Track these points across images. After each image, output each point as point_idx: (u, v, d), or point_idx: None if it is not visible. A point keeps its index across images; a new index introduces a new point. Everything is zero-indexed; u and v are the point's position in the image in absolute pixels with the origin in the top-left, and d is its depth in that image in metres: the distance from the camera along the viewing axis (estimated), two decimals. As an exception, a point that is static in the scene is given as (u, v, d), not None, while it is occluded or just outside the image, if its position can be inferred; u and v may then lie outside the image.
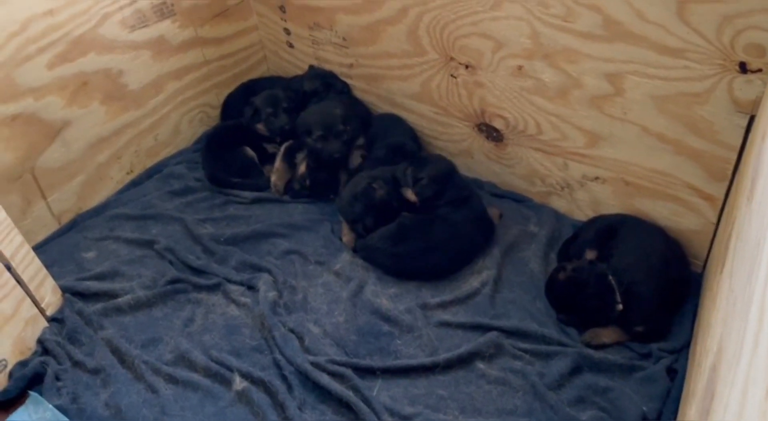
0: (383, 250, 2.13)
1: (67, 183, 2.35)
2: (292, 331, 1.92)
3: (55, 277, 2.02)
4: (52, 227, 2.35)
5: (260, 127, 2.55)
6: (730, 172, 1.80)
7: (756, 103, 1.64)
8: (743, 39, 1.58)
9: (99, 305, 2.02)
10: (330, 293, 2.06)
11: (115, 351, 1.88)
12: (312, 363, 1.80)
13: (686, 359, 1.77)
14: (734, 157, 1.77)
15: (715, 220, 1.92)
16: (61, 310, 2.00)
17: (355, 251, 2.21)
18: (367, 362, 1.83)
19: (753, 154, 1.42)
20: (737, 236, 1.27)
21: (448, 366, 1.82)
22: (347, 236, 2.25)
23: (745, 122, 1.70)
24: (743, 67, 1.62)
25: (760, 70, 1.60)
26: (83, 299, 2.05)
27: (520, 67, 2.06)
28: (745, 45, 1.59)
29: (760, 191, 1.08)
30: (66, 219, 2.39)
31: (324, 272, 2.14)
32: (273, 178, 2.50)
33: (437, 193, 2.18)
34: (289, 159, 2.50)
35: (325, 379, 1.76)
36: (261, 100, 2.55)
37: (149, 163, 2.65)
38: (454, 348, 1.85)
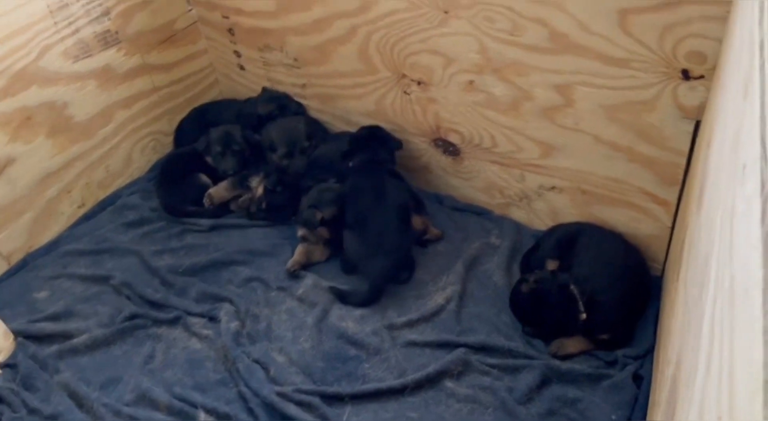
0: (368, 256, 2.09)
1: (14, 221, 2.28)
2: (256, 361, 1.88)
3: (6, 320, 1.96)
4: (1, 267, 2.28)
5: (209, 160, 2.51)
6: (681, 177, 1.83)
7: (700, 109, 1.67)
8: (684, 47, 1.61)
9: (54, 347, 1.96)
10: (294, 320, 2.03)
11: (73, 395, 1.82)
12: (278, 394, 1.77)
13: (651, 363, 1.78)
14: (684, 161, 1.80)
15: (670, 224, 1.95)
16: (13, 355, 1.93)
17: (294, 274, 2.16)
18: (335, 388, 1.81)
19: (701, 160, 1.45)
20: (689, 245, 1.28)
21: (417, 387, 1.80)
22: (296, 256, 2.21)
23: (691, 128, 1.73)
24: (686, 75, 1.65)
25: (702, 77, 1.63)
26: (37, 341, 1.98)
27: (471, 82, 2.07)
28: (687, 53, 1.62)
29: (707, 201, 1.10)
30: (15, 259, 2.31)
31: (287, 297, 2.10)
32: (210, 190, 2.46)
33: (352, 153, 2.31)
34: (240, 181, 2.47)
35: (292, 409, 1.73)
36: (215, 135, 2.49)
37: (101, 195, 2.58)
38: (422, 368, 1.84)
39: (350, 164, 2.27)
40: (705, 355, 0.74)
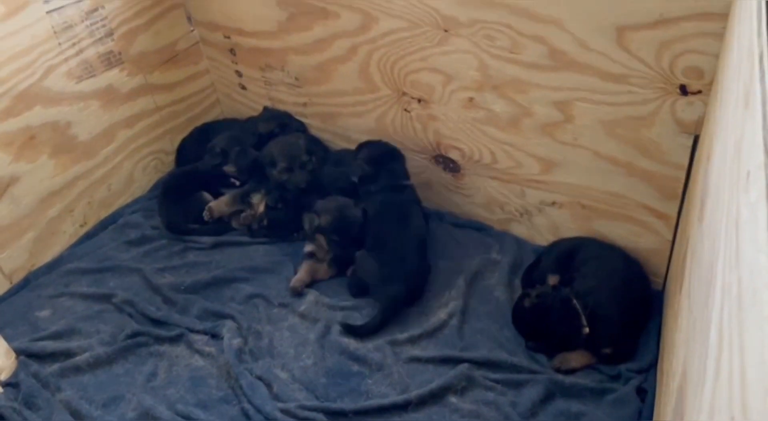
0: (384, 281, 2.06)
1: (17, 240, 2.28)
2: (259, 378, 1.88)
3: (7, 339, 1.94)
4: (3, 286, 2.27)
5: (229, 168, 2.52)
6: (680, 191, 1.85)
7: (699, 124, 1.70)
8: (681, 63, 1.64)
9: (56, 366, 1.95)
10: (296, 336, 2.03)
11: (75, 414, 1.81)
12: (282, 410, 1.76)
13: (654, 377, 1.78)
14: (683, 175, 1.82)
15: (670, 237, 1.96)
16: (15, 374, 1.91)
17: (299, 293, 2.16)
18: (338, 404, 1.80)
19: (700, 174, 1.46)
20: (692, 255, 1.30)
21: (420, 403, 1.80)
22: (301, 273, 2.21)
23: (690, 142, 1.75)
24: (684, 90, 1.67)
25: (699, 92, 1.65)
26: (39, 360, 1.97)
27: (471, 99, 2.09)
28: (684, 68, 1.64)
29: (709, 213, 1.11)
30: (17, 278, 2.31)
31: (289, 314, 2.10)
32: (211, 203, 2.47)
33: (371, 174, 2.26)
34: (241, 197, 2.49)
35: (296, 426, 1.72)
36: (225, 142, 2.51)
37: (103, 214, 2.58)
38: (425, 384, 1.83)
39: (371, 188, 2.26)
40: (714, 361, 0.75)
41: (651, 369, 1.81)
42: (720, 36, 1.53)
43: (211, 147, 2.53)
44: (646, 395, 1.75)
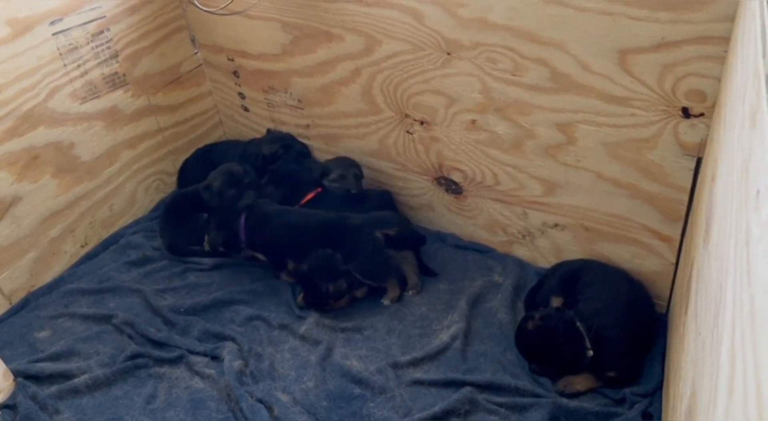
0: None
1: (17, 260, 2.27)
2: (260, 401, 1.85)
3: (6, 360, 1.93)
4: (2, 307, 2.26)
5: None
6: (683, 213, 1.85)
7: (701, 146, 1.70)
8: (684, 85, 1.65)
9: (54, 388, 1.93)
10: (297, 358, 2.01)
11: (73, 436, 1.78)
12: (283, 434, 1.74)
13: (660, 401, 1.76)
14: (686, 198, 1.82)
15: (674, 260, 1.95)
16: (13, 396, 1.89)
17: (300, 309, 2.19)
18: (340, 428, 1.77)
19: (704, 195, 1.46)
20: (697, 277, 1.29)
21: (423, 427, 1.77)
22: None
23: (693, 164, 1.75)
24: (686, 113, 1.68)
25: (702, 115, 1.66)
26: (37, 382, 1.95)
27: (473, 121, 2.10)
28: (686, 91, 1.65)
29: (715, 233, 1.11)
30: (17, 298, 2.30)
31: (290, 336, 2.09)
32: (213, 233, 2.45)
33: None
34: None
35: (297, 450, 1.69)
36: (219, 181, 2.47)
37: (105, 234, 2.58)
38: (428, 407, 1.81)
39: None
40: (726, 380, 0.74)
41: (656, 393, 1.79)
42: (722, 59, 1.54)
43: (208, 185, 2.47)
44: (651, 419, 1.72)
